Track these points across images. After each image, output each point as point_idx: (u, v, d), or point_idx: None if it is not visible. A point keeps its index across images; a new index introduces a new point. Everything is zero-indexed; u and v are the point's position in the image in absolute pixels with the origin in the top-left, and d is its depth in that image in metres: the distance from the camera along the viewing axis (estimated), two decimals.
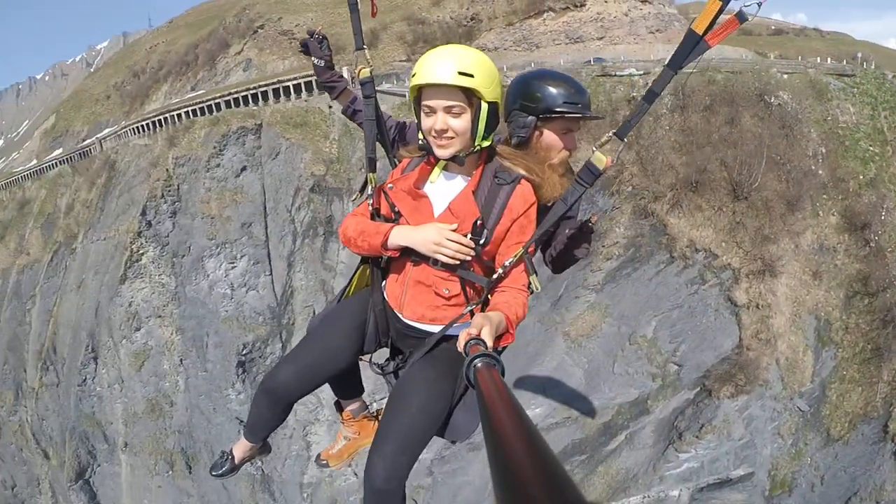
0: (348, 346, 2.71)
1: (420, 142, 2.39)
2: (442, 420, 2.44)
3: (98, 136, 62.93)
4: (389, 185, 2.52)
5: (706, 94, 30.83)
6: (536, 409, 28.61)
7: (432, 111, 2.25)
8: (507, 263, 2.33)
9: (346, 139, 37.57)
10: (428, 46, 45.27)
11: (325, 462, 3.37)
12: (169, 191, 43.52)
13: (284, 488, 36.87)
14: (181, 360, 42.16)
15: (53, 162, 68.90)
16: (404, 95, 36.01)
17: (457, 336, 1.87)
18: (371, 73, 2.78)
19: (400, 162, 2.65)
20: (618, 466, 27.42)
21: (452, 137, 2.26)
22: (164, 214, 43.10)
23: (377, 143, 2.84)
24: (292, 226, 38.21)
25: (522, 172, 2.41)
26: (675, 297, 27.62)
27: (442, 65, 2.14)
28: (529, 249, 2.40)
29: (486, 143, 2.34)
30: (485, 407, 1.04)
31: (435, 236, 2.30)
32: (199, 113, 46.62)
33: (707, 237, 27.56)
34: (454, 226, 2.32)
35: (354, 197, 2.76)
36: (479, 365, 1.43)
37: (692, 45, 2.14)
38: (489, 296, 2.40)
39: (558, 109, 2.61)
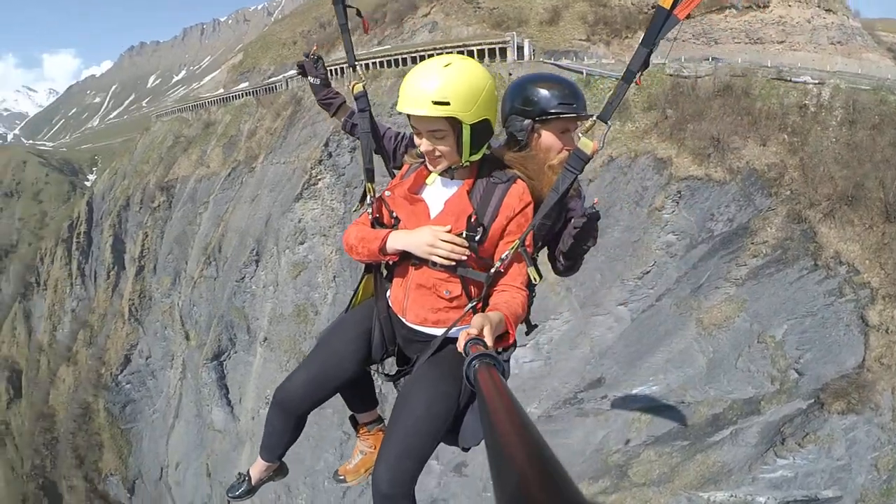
0: (354, 353, 2.76)
1: (417, 151, 2.49)
2: (448, 422, 2.43)
3: (285, 75, 68.63)
4: (387, 192, 2.58)
5: (876, 112, 30.33)
6: (654, 386, 28.95)
7: (419, 133, 2.36)
8: (503, 256, 2.37)
9: None
10: (608, 29, 46.52)
11: (342, 478, 3.37)
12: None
13: None
14: (334, 277, 45.74)
15: (239, 93, 75.77)
16: (581, 72, 37.47)
17: None
18: (364, 87, 2.91)
19: (400, 169, 2.75)
20: (715, 459, 27.28)
21: (440, 156, 2.36)
22: (344, 149, 46.61)
23: (375, 154, 2.92)
24: None
25: (518, 173, 2.46)
26: (811, 304, 27.47)
27: (418, 94, 2.19)
28: (527, 243, 2.42)
29: (475, 158, 2.40)
30: (485, 406, 1.07)
31: (428, 238, 2.34)
32: (385, 65, 50.02)
33: (853, 252, 27.42)
34: (447, 227, 2.35)
35: (356, 207, 2.83)
36: (478, 365, 1.47)
37: (662, 20, 2.20)
38: (490, 292, 2.43)
39: (553, 111, 2.68)
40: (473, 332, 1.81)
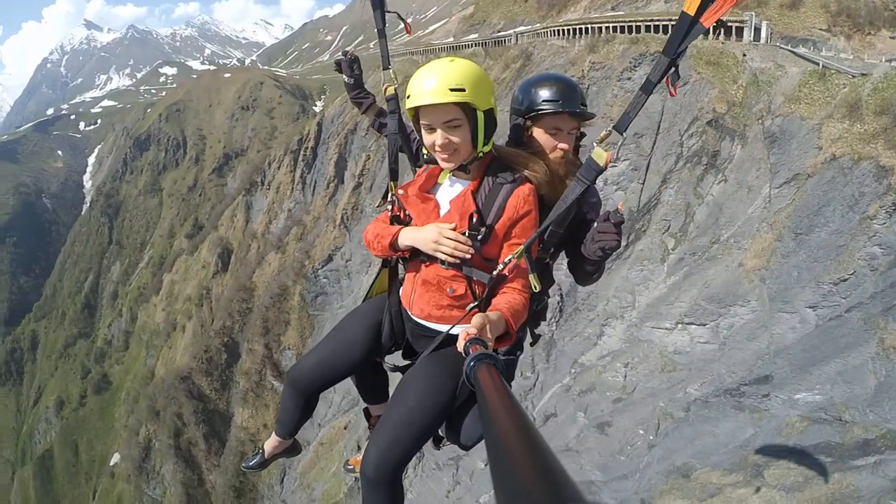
0: (363, 340, 2.90)
1: (425, 155, 2.65)
2: (440, 417, 2.50)
3: (514, 30, 71.45)
4: (400, 192, 2.67)
5: None
6: (817, 396, 27.52)
7: (432, 129, 2.37)
8: (507, 260, 2.40)
9: (752, 88, 37.33)
10: (850, 22, 43.99)
11: (352, 468, 3.42)
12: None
13: (560, 357, 38.82)
14: None
15: (469, 43, 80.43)
16: (818, 63, 35.70)
17: None
18: (395, 90, 2.96)
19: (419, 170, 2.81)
20: (849, 482, 25.01)
21: (455, 150, 2.38)
22: None
23: (401, 154, 2.99)
24: (679, 149, 38.60)
25: (524, 173, 2.49)
26: None
27: (433, 85, 2.24)
28: (532, 249, 2.51)
29: (486, 149, 2.47)
30: (485, 406, 1.08)
31: (433, 235, 2.42)
32: (618, 30, 49.99)
33: None
34: (452, 224, 2.42)
35: (378, 204, 2.89)
36: (478, 365, 1.45)
37: (686, 28, 2.09)
38: (493, 293, 2.46)
39: (537, 108, 2.77)
40: (473, 331, 1.83)
